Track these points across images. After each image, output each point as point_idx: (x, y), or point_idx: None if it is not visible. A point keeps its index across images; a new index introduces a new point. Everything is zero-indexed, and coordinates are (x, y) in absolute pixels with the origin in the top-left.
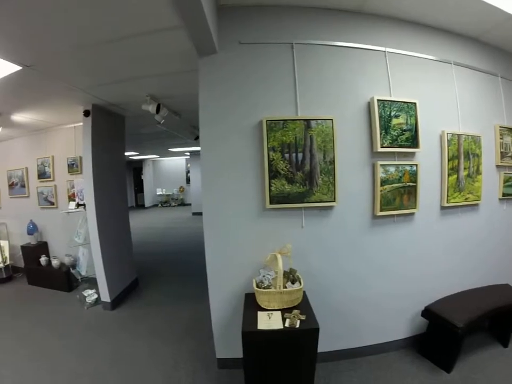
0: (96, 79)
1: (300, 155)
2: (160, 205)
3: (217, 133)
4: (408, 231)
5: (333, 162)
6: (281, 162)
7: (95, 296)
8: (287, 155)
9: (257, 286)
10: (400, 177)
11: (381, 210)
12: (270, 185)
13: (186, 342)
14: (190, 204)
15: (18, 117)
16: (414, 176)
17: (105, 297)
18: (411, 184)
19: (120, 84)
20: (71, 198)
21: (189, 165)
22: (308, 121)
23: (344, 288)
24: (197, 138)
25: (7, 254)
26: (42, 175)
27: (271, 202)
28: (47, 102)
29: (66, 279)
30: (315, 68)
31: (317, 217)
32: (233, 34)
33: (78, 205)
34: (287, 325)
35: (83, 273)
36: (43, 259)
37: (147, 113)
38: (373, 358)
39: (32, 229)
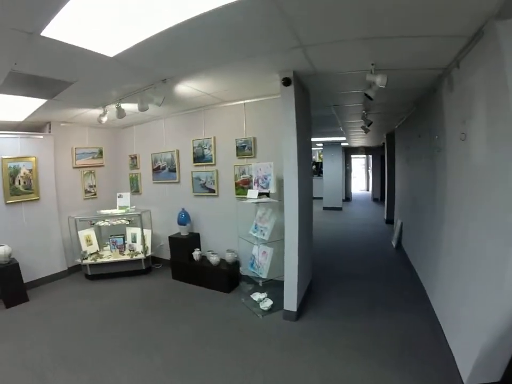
0: (330, 32)
1: None
2: None
3: None
4: None
5: None
6: None
7: (270, 302)
8: None
9: None
10: None
11: None
12: None
13: (412, 363)
14: (320, 198)
15: (183, 87)
16: None
17: (290, 305)
18: None
19: (350, 43)
20: (239, 185)
21: (320, 155)
22: None
23: None
24: (369, 125)
25: (149, 243)
26: (199, 158)
27: None
28: (237, 65)
29: (227, 279)
30: None
31: None
32: None
33: (260, 194)
34: None
35: (264, 275)
36: (197, 253)
37: (327, 90)
38: None
39: (184, 219)
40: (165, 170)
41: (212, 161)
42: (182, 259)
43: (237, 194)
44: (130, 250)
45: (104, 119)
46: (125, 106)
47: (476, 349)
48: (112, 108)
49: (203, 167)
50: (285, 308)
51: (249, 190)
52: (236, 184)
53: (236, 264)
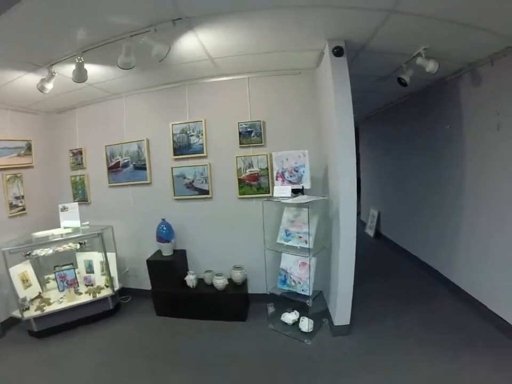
0: None
1: None
2: None
3: None
4: None
5: None
6: None
7: (308, 320)
8: None
9: None
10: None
11: None
12: None
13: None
14: None
15: (190, 39)
16: None
17: (343, 319)
18: None
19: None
20: (244, 182)
21: None
22: None
23: None
24: None
25: (115, 272)
26: (183, 149)
27: None
28: (285, 17)
29: (242, 304)
30: None
31: None
32: None
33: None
34: None
35: (308, 292)
36: (191, 277)
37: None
38: None
39: (167, 234)
40: (127, 168)
41: (202, 152)
42: (169, 288)
43: (241, 194)
44: (87, 286)
45: (49, 86)
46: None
47: None
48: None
49: (189, 161)
50: (336, 324)
51: (275, 187)
52: (240, 181)
53: (245, 283)
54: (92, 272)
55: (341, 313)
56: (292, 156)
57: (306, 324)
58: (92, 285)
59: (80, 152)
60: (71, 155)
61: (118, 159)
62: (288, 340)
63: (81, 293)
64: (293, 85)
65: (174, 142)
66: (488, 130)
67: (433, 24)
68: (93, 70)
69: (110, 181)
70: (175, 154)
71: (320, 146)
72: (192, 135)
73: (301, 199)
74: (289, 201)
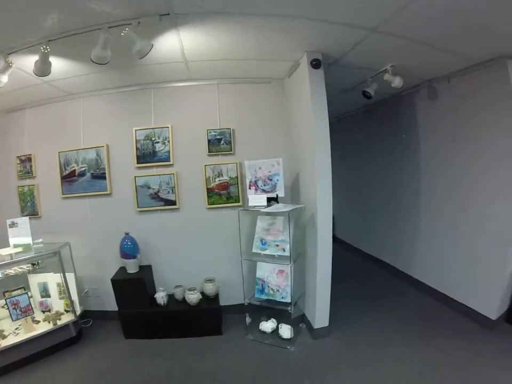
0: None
1: None
2: None
3: None
4: None
5: None
6: None
7: (287, 327)
8: None
9: None
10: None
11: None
12: None
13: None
14: None
15: (171, 38)
16: None
17: (323, 321)
18: None
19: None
20: (213, 191)
21: None
22: None
23: None
24: None
25: (75, 295)
26: (147, 157)
27: None
28: (272, 25)
29: (217, 317)
30: None
31: None
32: None
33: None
34: None
35: (287, 299)
36: (161, 294)
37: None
38: None
39: (132, 249)
40: (84, 177)
41: (168, 161)
42: (138, 307)
43: (210, 204)
44: (44, 312)
45: (4, 79)
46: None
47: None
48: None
49: (153, 169)
50: (316, 327)
51: (250, 196)
52: (209, 191)
53: (217, 296)
54: (48, 296)
55: (320, 316)
56: (265, 165)
57: (286, 331)
58: (49, 311)
59: (29, 159)
60: (18, 162)
61: (73, 167)
62: (270, 349)
63: (38, 321)
64: (263, 94)
65: (137, 149)
66: (444, 140)
67: (407, 45)
68: (53, 64)
69: (64, 191)
70: (138, 162)
71: (289, 155)
72: (157, 142)
73: (279, 207)
74: (268, 210)
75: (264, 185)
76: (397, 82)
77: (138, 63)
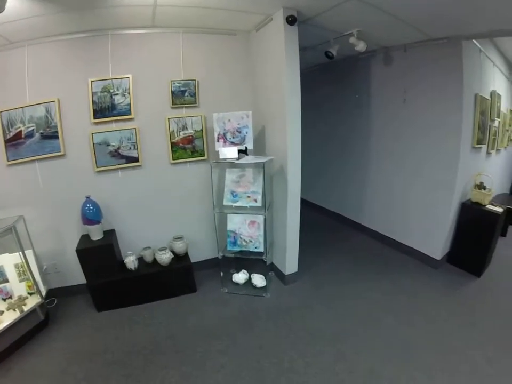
0: None
1: None
2: None
3: None
4: None
5: None
6: None
7: (260, 276)
8: None
9: None
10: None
11: None
12: None
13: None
14: None
15: None
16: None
17: (292, 267)
18: None
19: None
20: (177, 145)
21: None
22: None
23: None
24: None
25: (37, 274)
26: (105, 111)
27: None
28: None
29: (191, 275)
30: None
31: None
32: None
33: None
34: None
35: (260, 249)
36: (131, 259)
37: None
38: None
39: (95, 214)
40: (33, 139)
41: (129, 114)
42: (108, 276)
43: (174, 159)
44: (5, 300)
45: None
46: None
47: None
48: None
49: (113, 125)
50: (287, 273)
51: (220, 149)
52: (173, 145)
53: (187, 253)
54: (6, 281)
55: (290, 263)
56: (234, 117)
57: (259, 280)
58: (10, 297)
59: None
60: None
61: (19, 127)
62: (247, 298)
63: (2, 311)
64: (228, 46)
65: (93, 102)
66: (395, 102)
67: (378, 14)
68: None
69: (9, 157)
70: (95, 118)
71: (254, 108)
72: (116, 94)
73: (251, 159)
74: (242, 161)
75: (233, 137)
76: (361, 46)
77: (100, 5)
